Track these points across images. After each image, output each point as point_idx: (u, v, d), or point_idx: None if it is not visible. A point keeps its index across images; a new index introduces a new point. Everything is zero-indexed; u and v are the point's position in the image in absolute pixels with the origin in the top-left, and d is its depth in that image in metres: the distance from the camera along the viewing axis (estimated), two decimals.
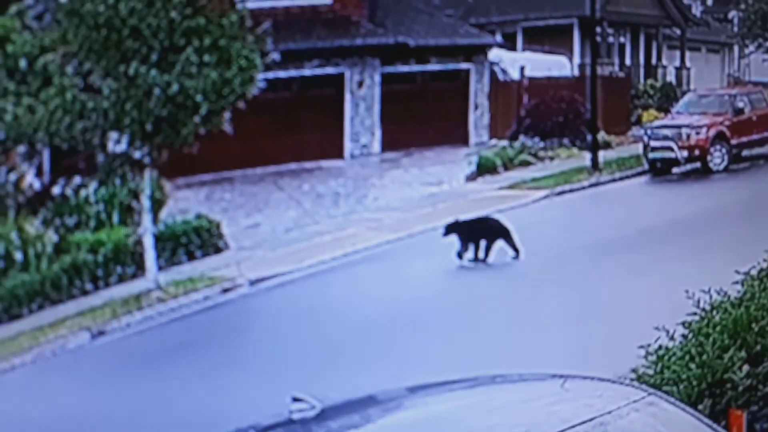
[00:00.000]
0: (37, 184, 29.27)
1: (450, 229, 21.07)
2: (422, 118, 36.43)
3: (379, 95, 36.60)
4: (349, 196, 30.19)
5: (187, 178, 30.67)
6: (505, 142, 34.80)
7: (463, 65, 38.46)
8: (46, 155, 30.21)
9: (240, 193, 31.17)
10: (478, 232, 21.05)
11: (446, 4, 44.12)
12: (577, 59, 44.40)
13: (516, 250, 20.60)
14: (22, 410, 17.83)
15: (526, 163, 32.45)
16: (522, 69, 39.13)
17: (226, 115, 23.19)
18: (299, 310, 20.13)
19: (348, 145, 36.28)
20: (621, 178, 29.75)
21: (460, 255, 20.86)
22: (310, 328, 18.14)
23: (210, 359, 17.69)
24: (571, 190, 28.39)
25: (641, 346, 8.81)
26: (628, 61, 48.30)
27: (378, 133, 36.54)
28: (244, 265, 23.85)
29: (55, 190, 28.06)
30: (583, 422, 5.39)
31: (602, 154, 30.87)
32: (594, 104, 31.84)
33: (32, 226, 25.90)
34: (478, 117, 38.48)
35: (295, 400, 5.96)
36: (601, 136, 32.65)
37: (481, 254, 20.85)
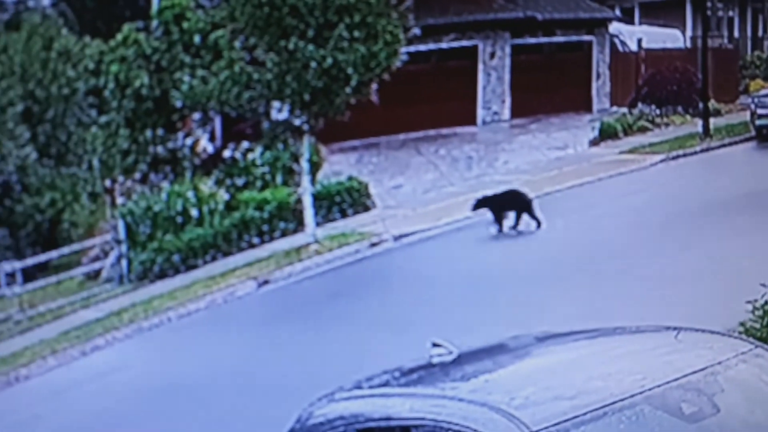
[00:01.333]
0: (210, 148, 29.70)
1: (480, 203, 20.72)
2: (548, 86, 36.02)
3: (509, 65, 36.31)
4: (481, 159, 30.03)
5: (340, 144, 30.81)
6: (624, 109, 34.25)
7: (586, 37, 37.93)
8: (217, 122, 30.62)
9: (385, 158, 31.23)
10: (506, 204, 20.68)
11: None
12: (689, 32, 43.43)
13: (538, 221, 20.26)
14: (196, 350, 18.25)
15: (643, 129, 31.90)
16: (639, 41, 38.47)
17: (373, 85, 23.22)
18: (437, 263, 20.16)
19: (480, 113, 36.08)
20: (730, 144, 29.04)
21: (498, 224, 20.57)
22: (447, 279, 18.17)
23: (360, 306, 17.84)
24: (684, 155, 27.84)
25: (749, 302, 8.69)
26: (736, 34, 47.12)
27: (508, 100, 36.27)
28: (388, 222, 23.96)
29: (226, 153, 28.44)
30: (695, 371, 5.38)
31: (713, 121, 30.17)
32: (705, 74, 31.15)
33: (206, 186, 26.28)
34: (600, 85, 37.94)
35: (435, 345, 6.03)
36: (712, 104, 31.92)
37: (511, 223, 20.52)
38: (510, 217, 20.58)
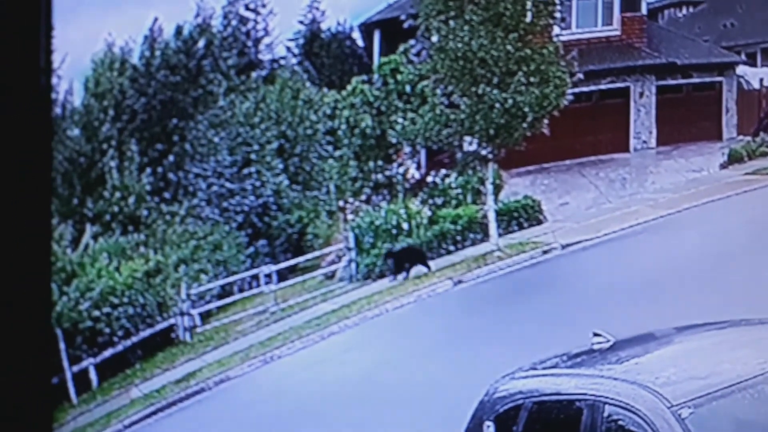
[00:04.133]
0: (417, 175, 29.73)
1: (387, 256, 21.76)
2: (687, 119, 34.89)
3: (655, 103, 35.29)
4: (633, 181, 29.29)
5: (518, 169, 30.45)
6: (748, 138, 32.93)
7: (717, 78, 36.59)
8: (423, 154, 30.69)
9: (554, 180, 30.73)
10: (405, 257, 21.64)
11: (704, 32, 42.09)
12: None
13: (428, 267, 21.26)
14: (407, 334, 18.45)
15: (764, 154, 30.48)
16: (761, 80, 36.87)
17: (545, 121, 22.98)
18: (599, 267, 19.80)
19: (632, 142, 35.15)
20: None
21: (393, 274, 21.25)
22: (607, 280, 17.84)
23: (535, 301, 17.68)
24: None
25: None
26: None
27: (654, 131, 35.26)
28: (557, 233, 23.52)
29: (429, 178, 28.38)
30: None
31: None
32: None
33: (414, 205, 26.28)
34: (729, 118, 36.51)
35: (595, 335, 6.01)
36: None
37: (409, 272, 21.32)
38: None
